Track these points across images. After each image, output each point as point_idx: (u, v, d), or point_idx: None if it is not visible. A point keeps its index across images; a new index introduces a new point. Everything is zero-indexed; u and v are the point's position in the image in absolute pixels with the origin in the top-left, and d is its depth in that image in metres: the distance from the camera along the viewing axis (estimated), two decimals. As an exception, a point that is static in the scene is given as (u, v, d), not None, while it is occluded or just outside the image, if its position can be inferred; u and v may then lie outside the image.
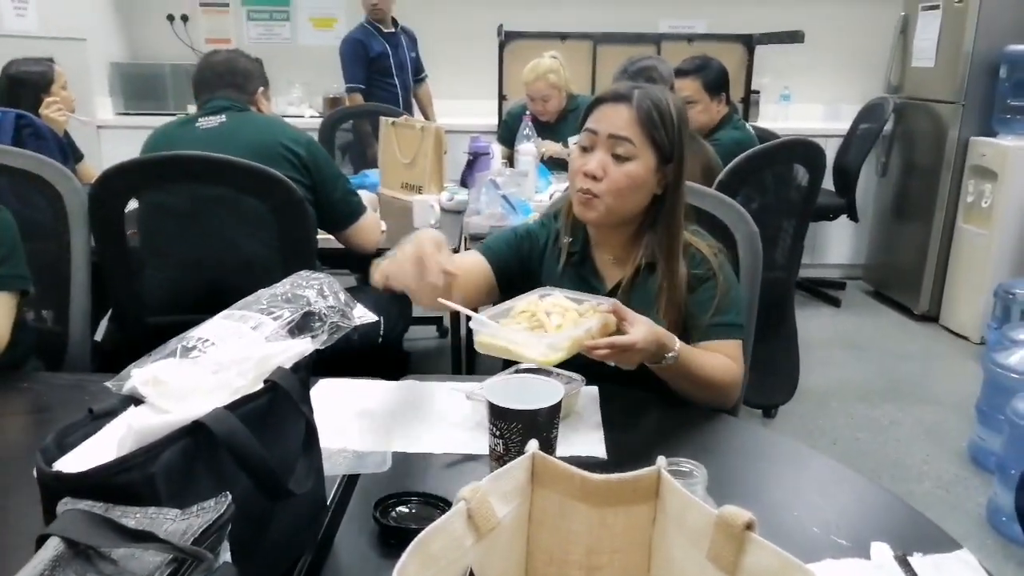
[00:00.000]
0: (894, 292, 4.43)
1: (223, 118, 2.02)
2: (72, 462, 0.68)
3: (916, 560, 0.84)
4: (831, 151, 4.35)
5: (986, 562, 0.86)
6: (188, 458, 0.67)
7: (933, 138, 4.09)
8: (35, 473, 0.64)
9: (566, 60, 3.50)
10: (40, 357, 1.56)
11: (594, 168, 1.30)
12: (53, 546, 0.56)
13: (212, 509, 0.62)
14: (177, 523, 0.60)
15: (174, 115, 3.57)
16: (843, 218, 4.36)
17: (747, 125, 3.13)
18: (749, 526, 0.56)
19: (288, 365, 0.81)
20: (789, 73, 5.00)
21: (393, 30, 4.28)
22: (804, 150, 2.56)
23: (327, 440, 0.90)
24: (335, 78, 4.55)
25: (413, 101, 4.53)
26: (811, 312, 4.22)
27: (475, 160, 2.96)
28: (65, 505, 0.60)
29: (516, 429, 0.94)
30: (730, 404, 1.32)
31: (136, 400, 0.78)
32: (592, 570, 0.67)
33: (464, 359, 2.74)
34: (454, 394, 1.25)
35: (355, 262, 2.35)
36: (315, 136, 2.63)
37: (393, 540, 0.87)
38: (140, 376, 0.76)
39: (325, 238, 2.06)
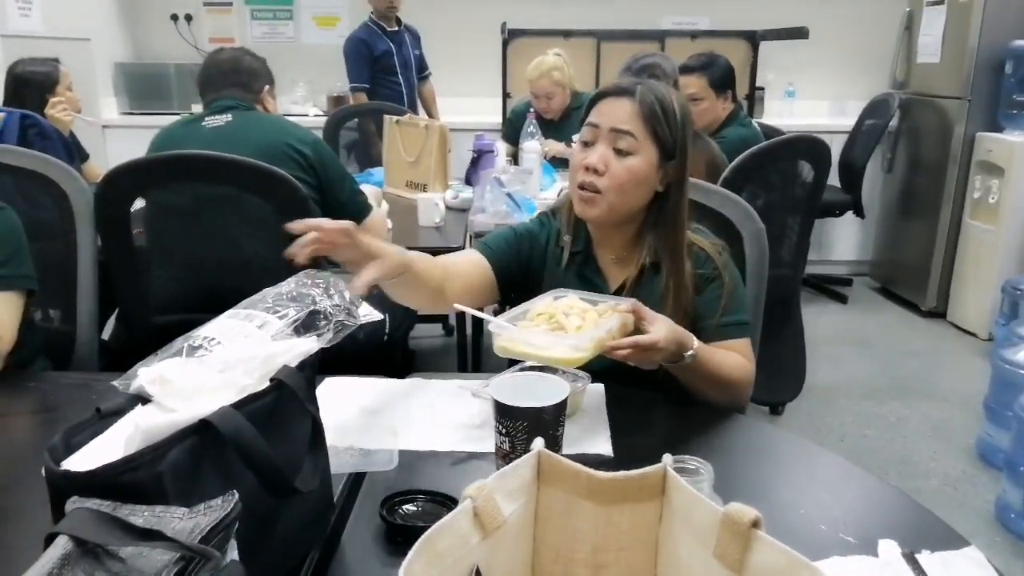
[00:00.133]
0: (901, 289, 4.42)
1: (229, 117, 2.03)
2: (80, 461, 0.68)
3: (924, 557, 0.84)
4: (836, 147, 4.33)
5: (994, 559, 0.86)
6: (195, 457, 0.67)
7: (939, 134, 4.07)
8: (43, 472, 0.64)
9: (570, 57, 3.50)
10: (48, 356, 1.56)
11: (595, 162, 1.28)
12: (62, 544, 0.56)
13: (219, 507, 0.62)
14: (184, 521, 0.60)
15: (178, 114, 3.57)
16: (849, 214, 4.35)
17: (753, 122, 3.12)
18: (755, 524, 0.56)
19: (294, 364, 0.81)
20: (794, 69, 4.98)
21: (397, 28, 4.27)
22: (809, 147, 2.55)
23: (333, 438, 0.90)
24: (339, 77, 4.55)
25: (417, 99, 4.53)
26: (818, 309, 4.21)
27: (479, 158, 2.96)
28: (73, 504, 0.60)
29: (522, 427, 0.94)
30: (743, 403, 1.32)
31: (143, 399, 0.78)
32: (598, 568, 0.67)
33: (470, 357, 2.74)
34: (460, 392, 1.25)
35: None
36: (319, 135, 2.63)
37: (400, 538, 0.87)
38: (146, 375, 0.76)
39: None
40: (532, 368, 1.15)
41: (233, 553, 0.63)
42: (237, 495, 0.63)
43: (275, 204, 1.77)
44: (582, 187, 1.30)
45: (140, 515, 0.60)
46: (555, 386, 0.98)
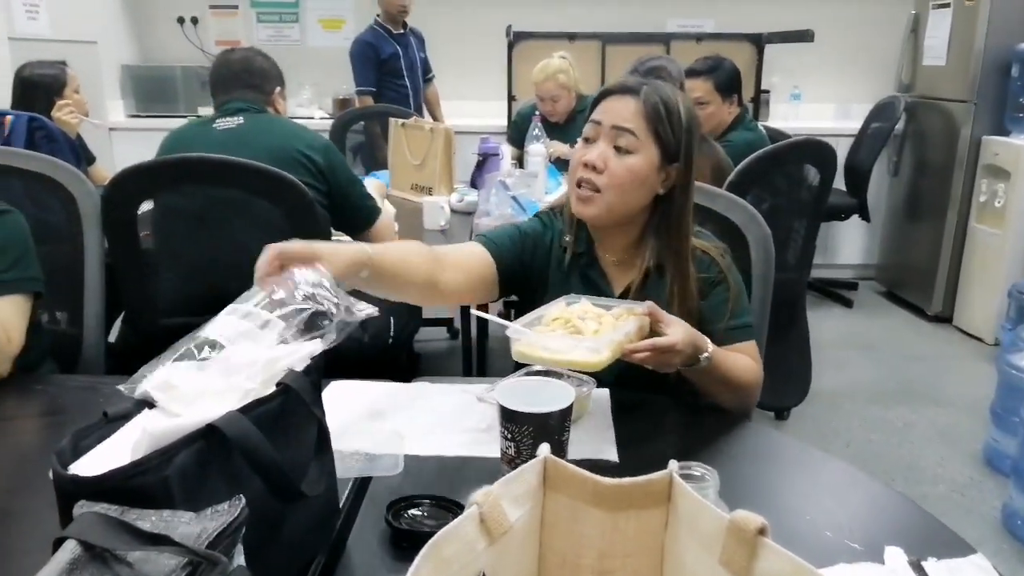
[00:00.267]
0: (907, 293, 4.40)
1: (240, 120, 2.03)
2: (87, 465, 0.68)
3: (930, 565, 0.84)
4: (842, 151, 4.33)
5: (1001, 567, 0.86)
6: (202, 461, 0.68)
7: (945, 137, 4.06)
8: (51, 475, 0.64)
9: (575, 60, 3.51)
10: (54, 359, 1.57)
11: (594, 158, 1.27)
12: (70, 549, 0.57)
13: (226, 512, 0.62)
14: (191, 526, 0.60)
15: (185, 117, 3.60)
16: (855, 218, 4.34)
17: (759, 126, 3.12)
18: (762, 531, 0.56)
19: (300, 367, 0.82)
20: (799, 72, 4.98)
21: (403, 31, 4.29)
22: (815, 150, 2.55)
23: (339, 442, 0.90)
24: (344, 79, 4.56)
25: (422, 102, 4.54)
26: (823, 313, 4.20)
27: (485, 161, 2.97)
28: (81, 508, 0.61)
29: (527, 432, 0.94)
30: (752, 405, 1.32)
31: (150, 404, 0.78)
32: (604, 574, 0.67)
33: (475, 360, 2.74)
34: (465, 396, 1.25)
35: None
36: (328, 139, 2.65)
37: (405, 543, 0.87)
38: (152, 381, 0.77)
39: (337, 238, 2.07)
40: (537, 373, 1.15)
41: (240, 558, 0.63)
42: (244, 500, 0.63)
43: (283, 208, 1.77)
44: (580, 184, 1.29)
45: (147, 519, 0.60)
46: (560, 391, 0.98)
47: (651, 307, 1.14)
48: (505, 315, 2.65)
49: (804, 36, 4.30)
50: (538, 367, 1.14)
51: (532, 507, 0.65)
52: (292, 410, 0.79)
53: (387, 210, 2.38)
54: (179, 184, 1.85)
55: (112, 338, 1.90)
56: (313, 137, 2.06)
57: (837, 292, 4.47)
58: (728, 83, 2.85)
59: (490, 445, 1.04)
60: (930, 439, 2.86)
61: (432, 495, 0.94)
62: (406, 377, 1.36)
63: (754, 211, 1.52)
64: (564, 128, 3.49)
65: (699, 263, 1.32)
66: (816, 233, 2.65)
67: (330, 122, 3.94)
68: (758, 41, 4.65)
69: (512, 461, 0.96)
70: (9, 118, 2.61)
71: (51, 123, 2.74)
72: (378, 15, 4.26)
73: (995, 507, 2.41)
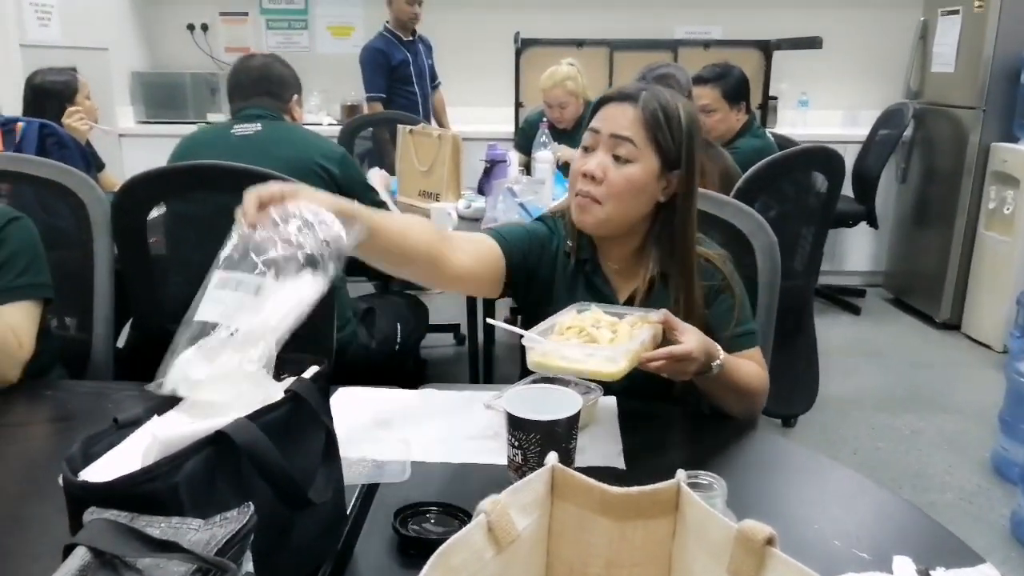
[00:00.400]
0: (915, 300, 4.39)
1: (258, 126, 2.06)
2: (97, 471, 0.69)
3: (939, 574, 0.83)
4: (850, 157, 4.31)
5: (1010, 576, 0.85)
6: (210, 468, 0.68)
7: (953, 144, 4.05)
8: (61, 482, 0.65)
9: (583, 67, 3.51)
10: (63, 365, 1.58)
11: (593, 168, 1.25)
12: (80, 555, 0.57)
13: (235, 519, 0.62)
14: (201, 533, 0.61)
15: (194, 123, 3.62)
16: (863, 225, 4.33)
17: (767, 133, 3.12)
18: (770, 541, 0.56)
19: (306, 307, 0.83)
20: (807, 79, 4.97)
21: (412, 38, 4.31)
22: (823, 157, 2.55)
23: (346, 449, 0.90)
24: (353, 86, 4.58)
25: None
26: (831, 320, 4.18)
27: (492, 168, 2.97)
28: (91, 514, 0.61)
29: (535, 440, 0.94)
30: (758, 412, 1.31)
31: (160, 410, 0.79)
32: (612, 583, 0.67)
33: (482, 367, 2.74)
34: (472, 403, 1.25)
35: (373, 269, 2.37)
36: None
37: (413, 550, 0.87)
38: (172, 380, 0.78)
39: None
40: (544, 380, 1.15)
41: (248, 565, 0.63)
42: (252, 507, 0.64)
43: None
44: (579, 194, 1.27)
45: (157, 526, 0.61)
46: (567, 399, 0.98)
47: (666, 315, 1.13)
48: (511, 321, 2.65)
49: (812, 43, 4.30)
50: (545, 374, 1.14)
51: (540, 516, 0.65)
52: (300, 417, 0.79)
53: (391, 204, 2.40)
54: (188, 191, 1.86)
55: (120, 343, 1.91)
56: (329, 146, 2.09)
57: (845, 299, 4.46)
58: (735, 90, 2.85)
59: (497, 452, 1.04)
60: (938, 447, 2.85)
61: (439, 502, 0.94)
62: (413, 384, 1.36)
63: (760, 218, 1.52)
64: (572, 135, 3.49)
65: (703, 271, 1.31)
66: (824, 240, 2.64)
67: (338, 128, 3.95)
68: (766, 48, 4.65)
69: (519, 469, 0.96)
70: (20, 125, 2.63)
71: (62, 130, 2.75)
72: (387, 22, 4.28)
73: (1004, 515, 2.39)
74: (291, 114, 2.23)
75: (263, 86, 2.16)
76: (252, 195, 0.94)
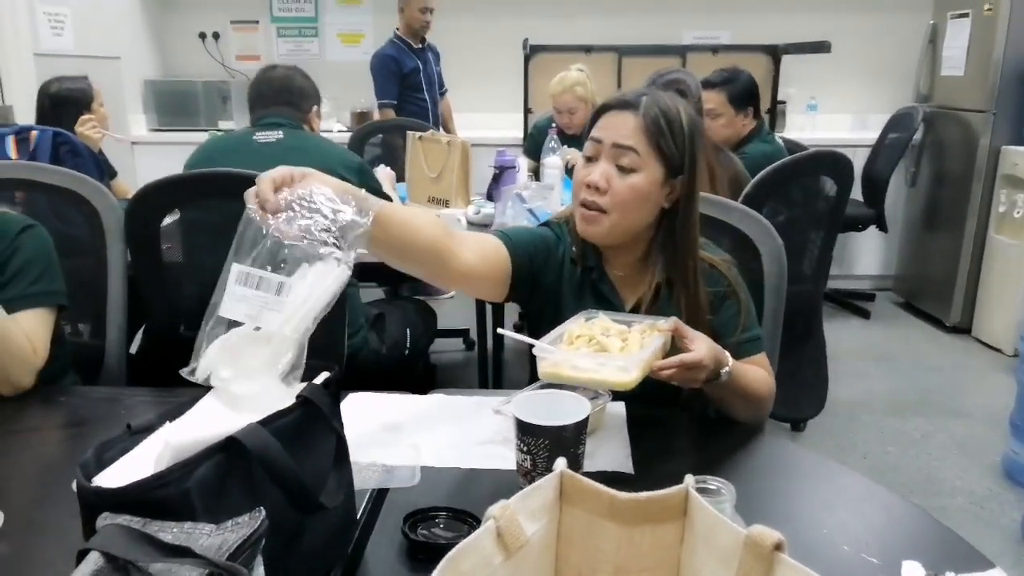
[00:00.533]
0: (925, 303, 4.37)
1: (280, 134, 2.12)
2: (111, 477, 0.70)
3: (949, 580, 0.83)
4: (859, 161, 4.31)
5: (1021, 582, 0.85)
6: (222, 473, 0.69)
7: (963, 147, 4.04)
8: (75, 487, 0.66)
9: (591, 72, 3.52)
10: (77, 371, 1.59)
11: (597, 179, 1.24)
12: (93, 560, 0.58)
13: (246, 524, 0.63)
14: (212, 538, 0.61)
15: (206, 131, 3.65)
16: (872, 229, 4.31)
17: (777, 138, 3.11)
18: (778, 547, 0.56)
19: (330, 298, 0.84)
20: (816, 83, 4.96)
21: (421, 46, 4.34)
22: (831, 162, 2.54)
23: (357, 454, 0.91)
24: (362, 93, 4.61)
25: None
26: (840, 324, 4.17)
27: (501, 174, 2.97)
28: (104, 520, 0.62)
29: (543, 445, 0.95)
30: (766, 417, 1.31)
31: (172, 417, 0.80)
32: (620, 588, 0.67)
33: (491, 372, 2.75)
34: (482, 409, 1.26)
35: (383, 275, 2.39)
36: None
37: (422, 555, 0.88)
38: (204, 367, 0.81)
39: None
40: (553, 385, 1.15)
41: (260, 570, 0.64)
42: (264, 512, 0.64)
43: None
44: (584, 205, 1.27)
45: (169, 531, 0.61)
46: (576, 404, 0.98)
47: (676, 323, 1.13)
48: (520, 327, 2.65)
49: (821, 47, 4.29)
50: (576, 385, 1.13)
51: (548, 521, 0.66)
52: (311, 422, 0.80)
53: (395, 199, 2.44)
54: (203, 198, 1.88)
55: (133, 349, 1.93)
56: (349, 155, 2.15)
57: (854, 303, 4.44)
58: (742, 95, 2.85)
59: (506, 457, 1.05)
60: (948, 451, 2.83)
61: (448, 507, 0.94)
62: (423, 389, 1.37)
63: (767, 223, 1.52)
64: (581, 140, 3.49)
65: (708, 277, 1.30)
66: (833, 244, 2.63)
67: (348, 135, 3.97)
68: (774, 52, 4.64)
69: (528, 474, 0.97)
70: (35, 133, 2.66)
71: (76, 138, 2.78)
72: (397, 29, 4.30)
73: (1014, 520, 2.38)
74: (310, 124, 2.28)
75: (284, 96, 2.21)
76: (266, 180, 0.94)
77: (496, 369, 2.75)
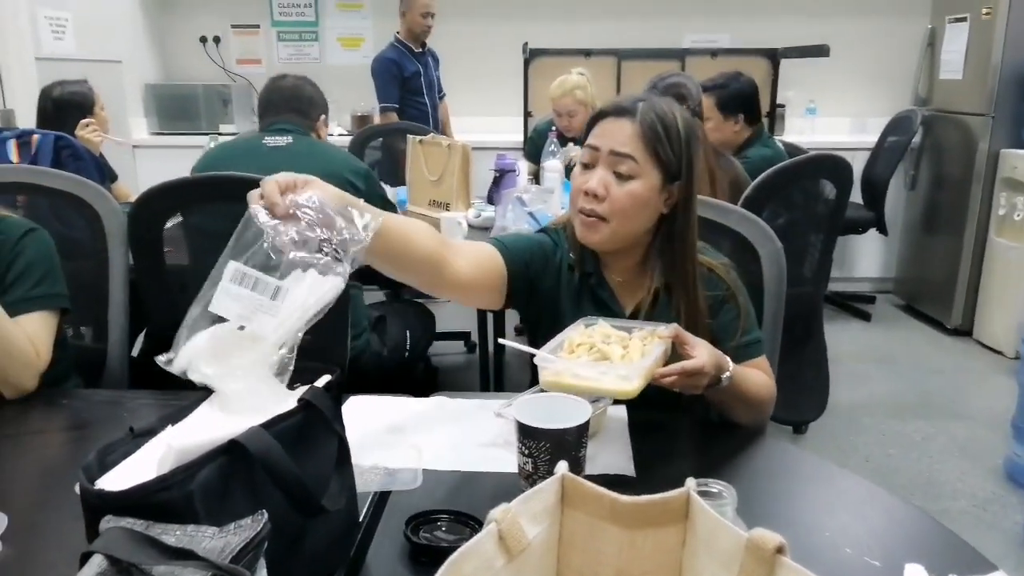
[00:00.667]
0: (925, 306, 4.37)
1: (289, 139, 2.17)
2: (113, 480, 0.70)
3: (950, 582, 0.83)
4: (858, 164, 4.31)
5: (1022, 584, 0.85)
6: (225, 476, 0.69)
7: (963, 150, 4.04)
8: (78, 490, 0.66)
9: (591, 76, 3.53)
10: (79, 373, 1.59)
11: (595, 186, 1.23)
12: (96, 563, 0.58)
13: (249, 527, 0.63)
14: (215, 540, 0.61)
15: (207, 134, 3.64)
16: (872, 231, 4.32)
17: (778, 143, 3.12)
18: (780, 550, 0.56)
19: (324, 307, 0.84)
20: (815, 87, 4.97)
21: (422, 50, 4.35)
22: (831, 165, 2.54)
23: (358, 457, 0.91)
24: (362, 96, 4.62)
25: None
26: (841, 326, 4.17)
27: (501, 177, 2.98)
28: (108, 523, 0.62)
29: (545, 448, 0.95)
30: (767, 420, 1.31)
31: (174, 420, 0.80)
32: (622, 591, 0.67)
33: (492, 374, 2.75)
34: (483, 411, 1.26)
35: (383, 277, 2.39)
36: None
37: (424, 558, 0.88)
38: (183, 359, 0.81)
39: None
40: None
41: (262, 572, 0.64)
42: (266, 515, 0.64)
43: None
44: (583, 212, 1.26)
45: (172, 534, 0.61)
46: (577, 407, 0.99)
47: (677, 330, 1.13)
48: (521, 331, 2.65)
49: (820, 51, 4.30)
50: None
51: (550, 524, 0.66)
52: (313, 425, 0.80)
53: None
54: (204, 202, 1.88)
55: (135, 352, 1.93)
56: (355, 162, 2.22)
57: (855, 306, 4.44)
58: (731, 101, 2.84)
59: (508, 460, 1.05)
60: (950, 453, 2.83)
61: (450, 510, 0.94)
62: (424, 391, 1.37)
63: (766, 226, 1.52)
64: (580, 143, 3.51)
65: (706, 281, 1.30)
66: (833, 247, 2.64)
67: (348, 139, 3.98)
68: (773, 56, 4.65)
69: (530, 476, 0.97)
70: (36, 137, 2.66)
71: (77, 142, 2.79)
72: (397, 33, 4.31)
73: (1016, 522, 2.38)
74: (318, 132, 2.35)
75: (293, 104, 2.28)
76: (272, 183, 0.94)
77: (497, 372, 2.75)
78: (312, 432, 0.80)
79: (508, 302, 1.33)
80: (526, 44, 4.60)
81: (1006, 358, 3.72)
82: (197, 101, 4.77)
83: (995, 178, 3.87)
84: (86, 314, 1.70)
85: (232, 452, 0.70)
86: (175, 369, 0.81)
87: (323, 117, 2.38)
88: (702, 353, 1.11)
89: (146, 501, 0.64)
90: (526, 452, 0.96)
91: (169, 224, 1.86)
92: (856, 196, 4.14)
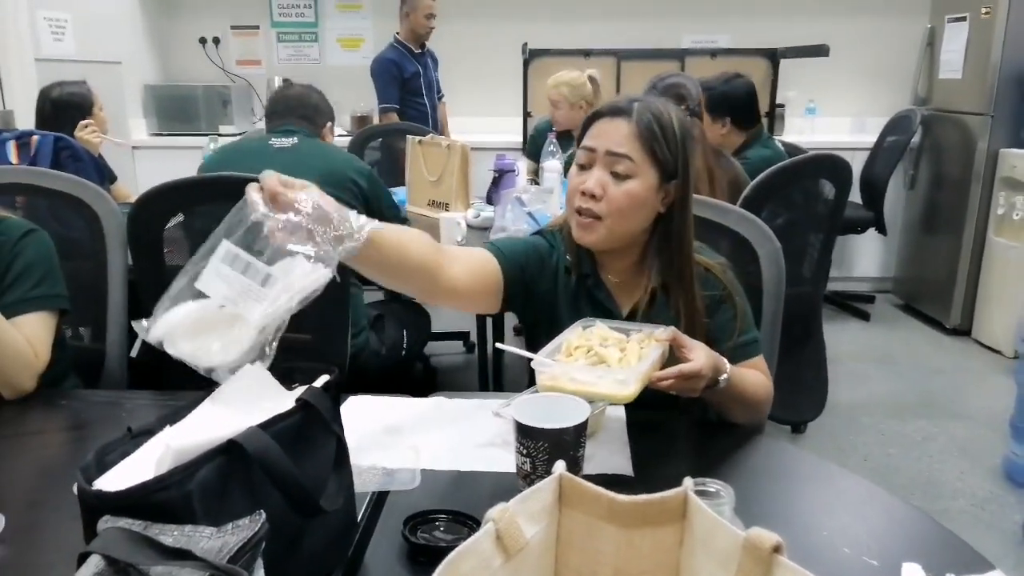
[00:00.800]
0: (925, 306, 4.37)
1: (295, 140, 2.22)
2: (111, 480, 0.70)
3: (949, 582, 0.83)
4: (858, 164, 4.31)
5: (1020, 583, 0.85)
6: (223, 476, 0.69)
7: (962, 150, 4.04)
8: (76, 491, 0.66)
9: (600, 80, 3.55)
10: (77, 374, 1.59)
11: (592, 186, 1.23)
12: (94, 563, 0.58)
13: (247, 527, 0.63)
14: (213, 540, 0.61)
15: (206, 135, 3.65)
16: (872, 231, 4.32)
17: (777, 143, 3.11)
18: (777, 549, 0.56)
19: (307, 297, 0.85)
20: (814, 86, 4.97)
21: (421, 51, 4.36)
22: (830, 165, 2.54)
23: (357, 457, 0.91)
24: (362, 97, 4.62)
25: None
26: (840, 326, 4.17)
27: (500, 177, 2.98)
28: (105, 523, 0.62)
29: (543, 448, 0.95)
30: (764, 420, 1.31)
31: (172, 420, 0.80)
32: (620, 590, 0.67)
33: (491, 374, 2.75)
34: (481, 411, 1.26)
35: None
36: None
37: (422, 558, 0.88)
38: (160, 329, 0.82)
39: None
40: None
41: (260, 573, 0.64)
42: (264, 515, 0.64)
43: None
44: (580, 212, 1.26)
45: (170, 534, 0.62)
46: (575, 407, 0.99)
47: (674, 332, 1.13)
48: (520, 331, 2.65)
49: (819, 51, 4.30)
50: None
51: (548, 524, 0.66)
52: (311, 425, 0.80)
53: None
54: (205, 203, 1.88)
55: (134, 353, 1.93)
56: (359, 163, 2.27)
57: (854, 305, 4.44)
58: (719, 104, 2.83)
59: (506, 460, 1.05)
60: (949, 453, 2.83)
61: (448, 510, 0.94)
62: (423, 391, 1.37)
63: (765, 226, 1.52)
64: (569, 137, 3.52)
65: (703, 281, 1.30)
66: (832, 247, 2.63)
67: (348, 139, 3.98)
68: (773, 56, 4.65)
69: (528, 476, 0.97)
70: (35, 138, 2.66)
71: (76, 143, 2.79)
72: (397, 33, 4.31)
73: (1015, 522, 2.38)
74: (323, 139, 2.39)
75: (299, 111, 2.34)
76: (272, 175, 0.95)
77: (496, 372, 2.75)
78: (310, 432, 0.80)
79: (505, 306, 1.33)
80: (526, 44, 4.61)
81: (1005, 357, 3.72)
82: (197, 102, 4.77)
83: (994, 177, 3.87)
84: (85, 315, 1.70)
85: (230, 452, 0.70)
86: (151, 338, 0.81)
87: (329, 125, 2.43)
88: (699, 356, 1.11)
89: (144, 501, 0.64)
90: (524, 452, 0.96)
91: (170, 224, 1.86)
92: (855, 196, 4.14)
